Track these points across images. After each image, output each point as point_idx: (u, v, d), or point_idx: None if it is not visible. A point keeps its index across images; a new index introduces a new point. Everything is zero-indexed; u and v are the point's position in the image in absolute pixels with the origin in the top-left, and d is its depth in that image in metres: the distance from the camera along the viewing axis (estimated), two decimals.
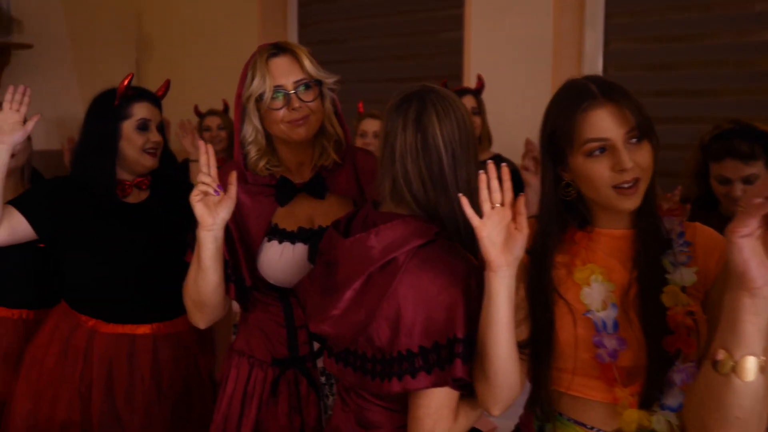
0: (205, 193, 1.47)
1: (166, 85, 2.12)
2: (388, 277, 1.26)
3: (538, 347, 1.29)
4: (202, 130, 3.75)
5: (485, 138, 3.02)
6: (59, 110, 3.96)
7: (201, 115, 3.85)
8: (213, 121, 3.80)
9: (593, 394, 1.28)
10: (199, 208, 1.47)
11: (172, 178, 2.12)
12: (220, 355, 2.18)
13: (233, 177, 1.49)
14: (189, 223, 2.03)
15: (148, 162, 1.97)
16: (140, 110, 1.98)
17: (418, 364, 1.23)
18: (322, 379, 1.69)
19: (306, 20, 4.32)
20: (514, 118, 3.18)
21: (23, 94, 1.83)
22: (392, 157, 1.32)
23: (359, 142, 3.07)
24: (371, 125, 3.06)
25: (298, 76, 1.58)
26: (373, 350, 1.29)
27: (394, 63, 4.01)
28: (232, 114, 3.97)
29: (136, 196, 2.04)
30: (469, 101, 2.98)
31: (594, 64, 3.22)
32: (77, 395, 1.94)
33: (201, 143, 1.50)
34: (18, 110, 1.82)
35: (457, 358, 1.22)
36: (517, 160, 2.69)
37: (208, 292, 1.54)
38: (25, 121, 1.87)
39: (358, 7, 4.09)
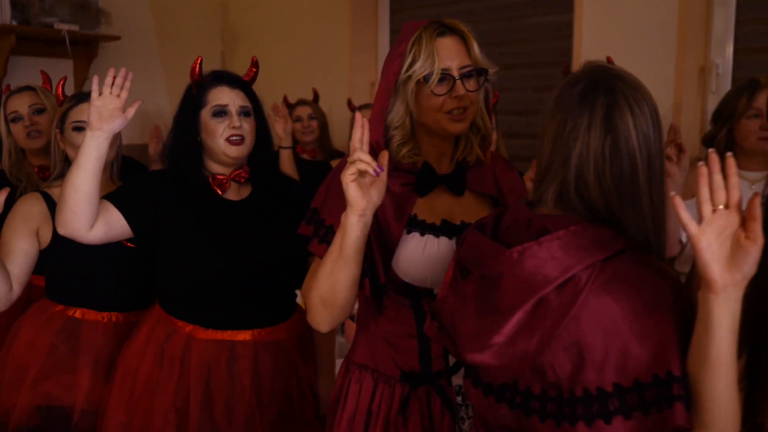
0: (362, 173, 1.28)
1: (254, 65, 1.93)
2: (567, 297, 1.03)
3: (758, 383, 1.04)
4: (292, 120, 3.59)
5: None
6: (145, 102, 3.88)
7: (291, 105, 3.69)
8: (304, 111, 3.64)
9: None
10: (352, 189, 1.28)
11: (271, 170, 1.93)
12: (320, 365, 2.00)
13: (386, 158, 1.32)
14: (296, 218, 1.86)
15: (232, 152, 1.78)
16: (216, 96, 1.81)
17: (613, 407, 1.00)
18: (458, 399, 1.48)
19: (398, 6, 4.10)
20: None
21: (125, 78, 1.67)
22: (566, 162, 1.10)
23: None
24: None
25: (465, 61, 1.42)
26: (543, 386, 1.07)
27: (493, 49, 3.74)
28: (322, 103, 3.82)
29: (236, 193, 1.86)
30: None
31: (723, 47, 2.90)
32: (173, 407, 1.79)
33: (358, 116, 1.32)
34: (119, 95, 1.66)
35: (678, 402, 0.97)
36: None
37: (343, 287, 1.36)
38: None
39: None
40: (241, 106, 1.81)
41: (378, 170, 1.28)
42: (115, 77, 1.67)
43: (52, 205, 2.05)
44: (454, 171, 1.49)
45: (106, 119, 1.64)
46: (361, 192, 1.29)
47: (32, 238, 2.01)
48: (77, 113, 2.07)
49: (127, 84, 1.67)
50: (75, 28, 3.70)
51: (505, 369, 1.08)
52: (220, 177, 1.82)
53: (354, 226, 1.31)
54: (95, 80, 1.65)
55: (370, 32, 4.16)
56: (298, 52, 4.25)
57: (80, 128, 2.05)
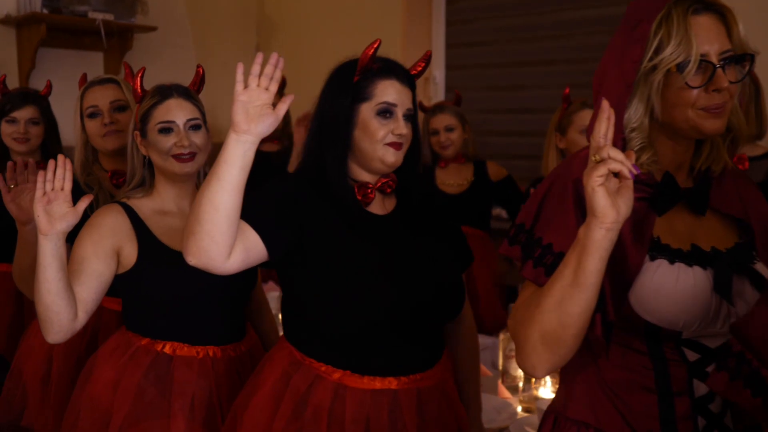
0: (615, 174, 1.04)
1: (424, 60, 1.63)
2: None
3: None
4: None
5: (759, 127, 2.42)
6: None
7: None
8: None
9: None
10: (600, 196, 1.04)
11: (418, 180, 1.63)
12: (469, 411, 1.68)
13: (633, 158, 1.07)
14: (446, 236, 1.58)
15: (390, 157, 1.49)
16: (385, 91, 1.49)
17: None
18: None
19: None
20: None
21: (275, 66, 1.34)
22: None
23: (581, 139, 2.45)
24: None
25: (725, 45, 1.14)
26: None
27: (565, 42, 3.48)
28: None
29: (380, 206, 1.55)
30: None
31: None
32: None
33: (605, 104, 1.07)
34: (268, 88, 1.34)
35: None
36: None
37: (576, 321, 1.09)
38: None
39: None
40: (408, 109, 1.51)
41: (634, 171, 1.04)
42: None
43: (136, 220, 1.74)
44: (699, 184, 1.23)
45: (254, 118, 1.31)
46: (611, 199, 1.04)
47: (110, 259, 1.69)
48: (164, 112, 1.74)
49: (278, 74, 1.34)
50: (110, 17, 3.39)
51: None
52: (368, 185, 1.52)
53: (600, 242, 1.05)
54: (239, 68, 1.32)
55: (424, 23, 3.88)
56: (343, 46, 3.85)
57: (168, 130, 1.73)
